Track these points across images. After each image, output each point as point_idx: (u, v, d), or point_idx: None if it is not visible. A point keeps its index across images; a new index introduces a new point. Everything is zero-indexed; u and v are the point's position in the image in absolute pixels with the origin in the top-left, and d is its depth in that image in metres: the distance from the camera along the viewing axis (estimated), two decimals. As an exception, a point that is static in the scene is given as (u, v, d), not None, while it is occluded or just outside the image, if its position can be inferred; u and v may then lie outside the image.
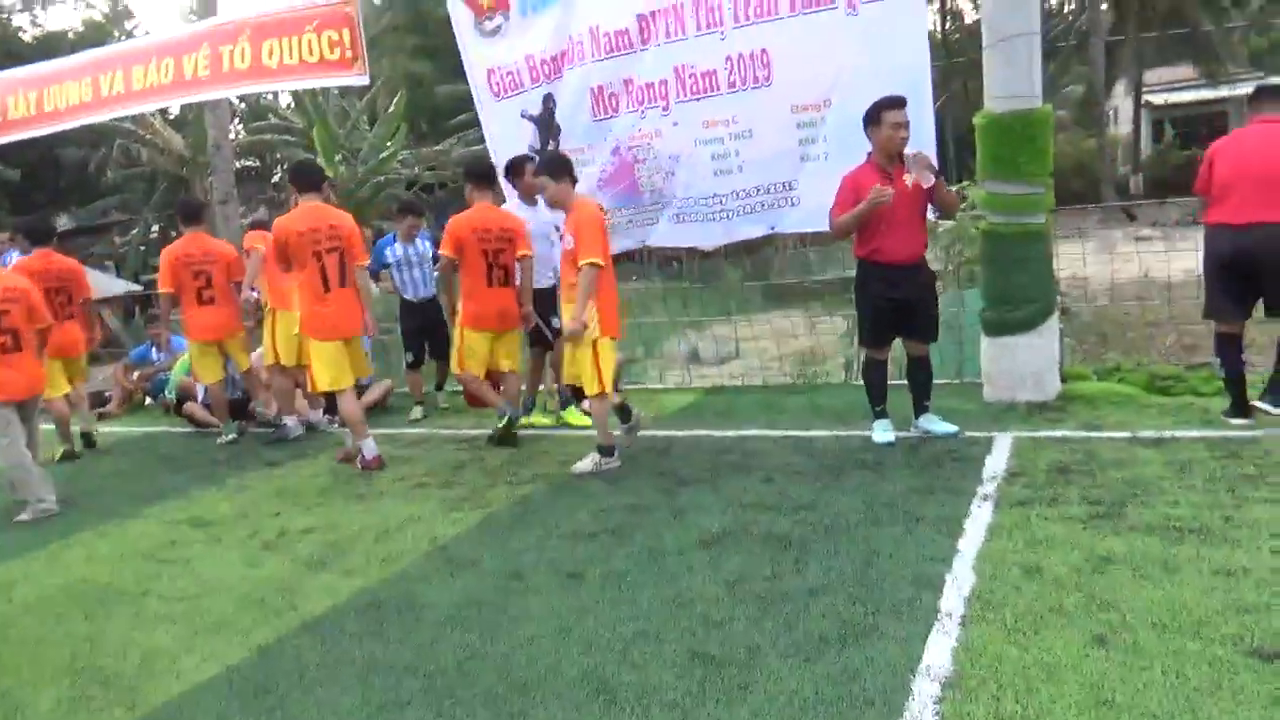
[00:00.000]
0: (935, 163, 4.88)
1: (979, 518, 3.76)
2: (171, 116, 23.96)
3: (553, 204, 5.28)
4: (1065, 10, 34.80)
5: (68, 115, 8.38)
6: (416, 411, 7.23)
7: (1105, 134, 31.60)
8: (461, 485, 5.14)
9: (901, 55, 5.85)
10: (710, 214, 6.63)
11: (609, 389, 5.08)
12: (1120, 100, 36.01)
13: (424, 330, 7.27)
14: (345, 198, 22.17)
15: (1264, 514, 3.51)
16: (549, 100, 6.95)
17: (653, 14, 6.52)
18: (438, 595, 3.56)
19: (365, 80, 7.46)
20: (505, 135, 7.16)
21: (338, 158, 22.17)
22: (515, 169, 6.36)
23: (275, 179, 26.90)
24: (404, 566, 3.94)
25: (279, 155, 24.66)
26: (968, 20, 34.13)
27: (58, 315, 6.37)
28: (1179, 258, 8.21)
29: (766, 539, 3.79)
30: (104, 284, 18.65)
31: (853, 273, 5.26)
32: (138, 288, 19.98)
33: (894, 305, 4.93)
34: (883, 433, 5.09)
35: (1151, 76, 33.59)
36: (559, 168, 5.17)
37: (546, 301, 6.08)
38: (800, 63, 6.14)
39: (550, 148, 6.99)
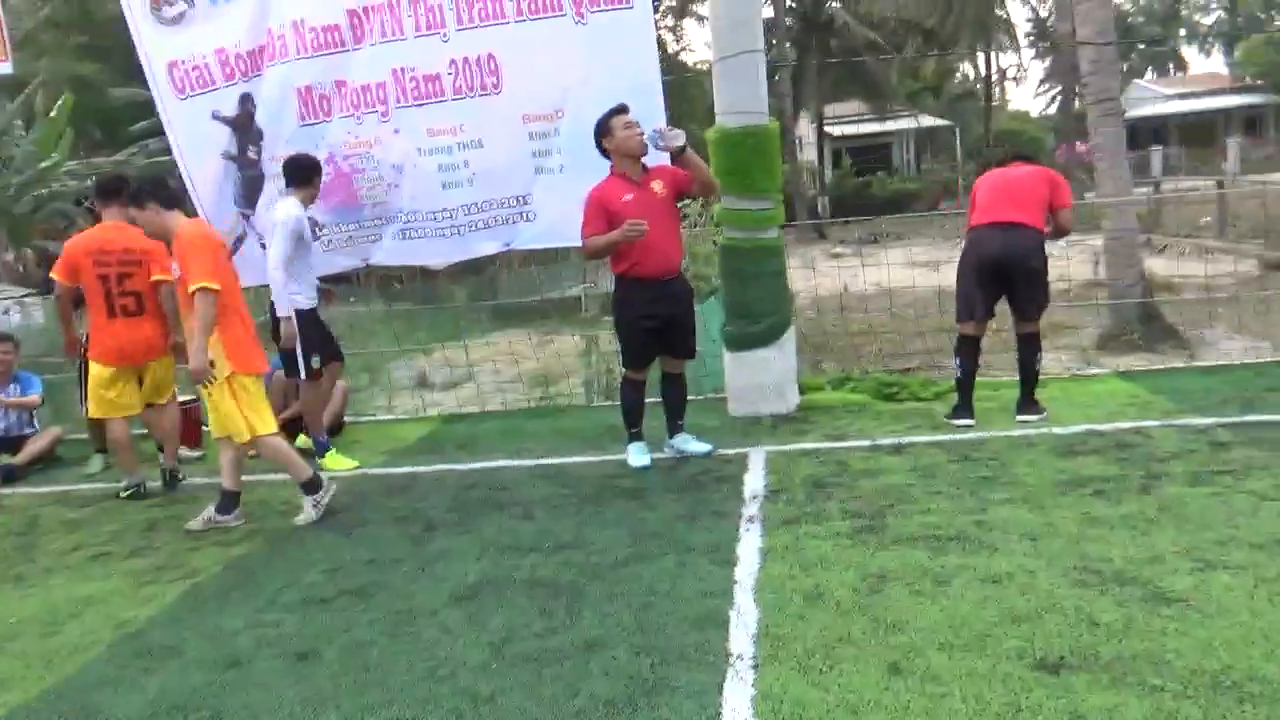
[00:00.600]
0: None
1: (749, 542, 3.62)
2: None
3: (152, 236, 4.70)
4: (756, 45, 37.56)
5: None
6: (95, 463, 6.07)
7: (797, 160, 34.41)
8: (155, 551, 4.28)
9: (632, 67, 5.73)
10: (440, 229, 6.14)
11: (259, 430, 4.46)
12: (805, 129, 39.49)
13: None
14: (1, 215, 19.01)
15: (1008, 514, 3.65)
16: (247, 100, 6.13)
17: (365, 10, 5.94)
18: (126, 702, 2.82)
19: (7, 68, 6.22)
20: (194, 138, 6.23)
21: (-14, 168, 18.97)
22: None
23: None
24: (80, 667, 3.13)
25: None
26: (669, 49, 35.89)
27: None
28: (870, 272, 8.90)
29: (531, 587, 3.40)
30: None
31: (578, 290, 5.06)
32: None
33: (656, 322, 4.73)
34: (639, 455, 4.88)
35: (829, 110, 37.07)
36: (146, 194, 4.55)
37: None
38: (530, 70, 5.85)
39: (250, 154, 6.18)
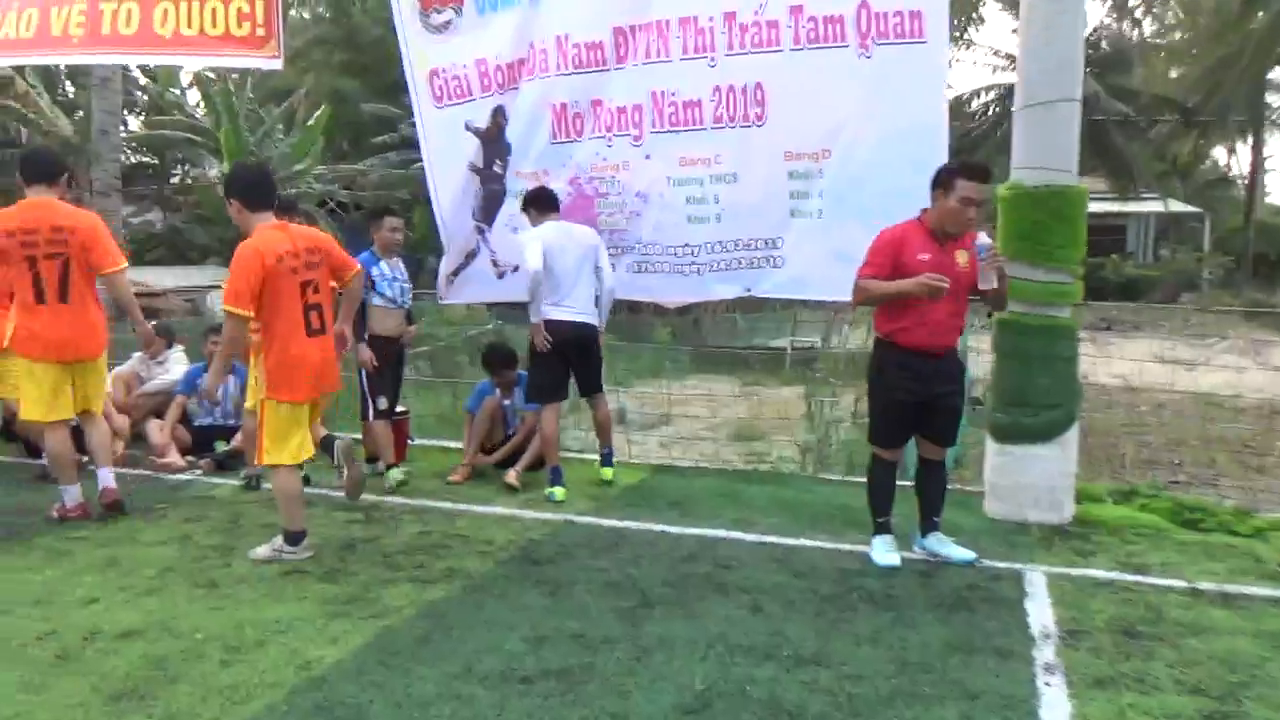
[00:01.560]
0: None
1: (1056, 705, 2.82)
2: (65, 96, 21.91)
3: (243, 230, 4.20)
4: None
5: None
6: (396, 475, 5.55)
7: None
8: (349, 577, 3.95)
9: (916, 105, 5.10)
10: (678, 266, 5.68)
11: (279, 459, 4.12)
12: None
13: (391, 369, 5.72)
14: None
15: None
16: (499, 114, 5.93)
17: (632, 29, 5.61)
18: (300, 776, 2.39)
19: (278, 64, 6.32)
20: (445, 148, 6.10)
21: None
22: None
23: (175, 179, 24.92)
24: (255, 714, 2.75)
25: (180, 155, 22.81)
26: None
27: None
28: (1112, 364, 7.70)
29: (774, 713, 2.76)
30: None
31: (783, 344, 4.39)
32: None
33: (916, 400, 4.03)
34: (887, 552, 4.15)
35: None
36: (242, 189, 4.14)
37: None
38: (800, 104, 5.31)
39: (495, 168, 5.95)
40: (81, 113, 19.02)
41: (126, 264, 4.91)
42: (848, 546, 4.40)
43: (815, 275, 5.46)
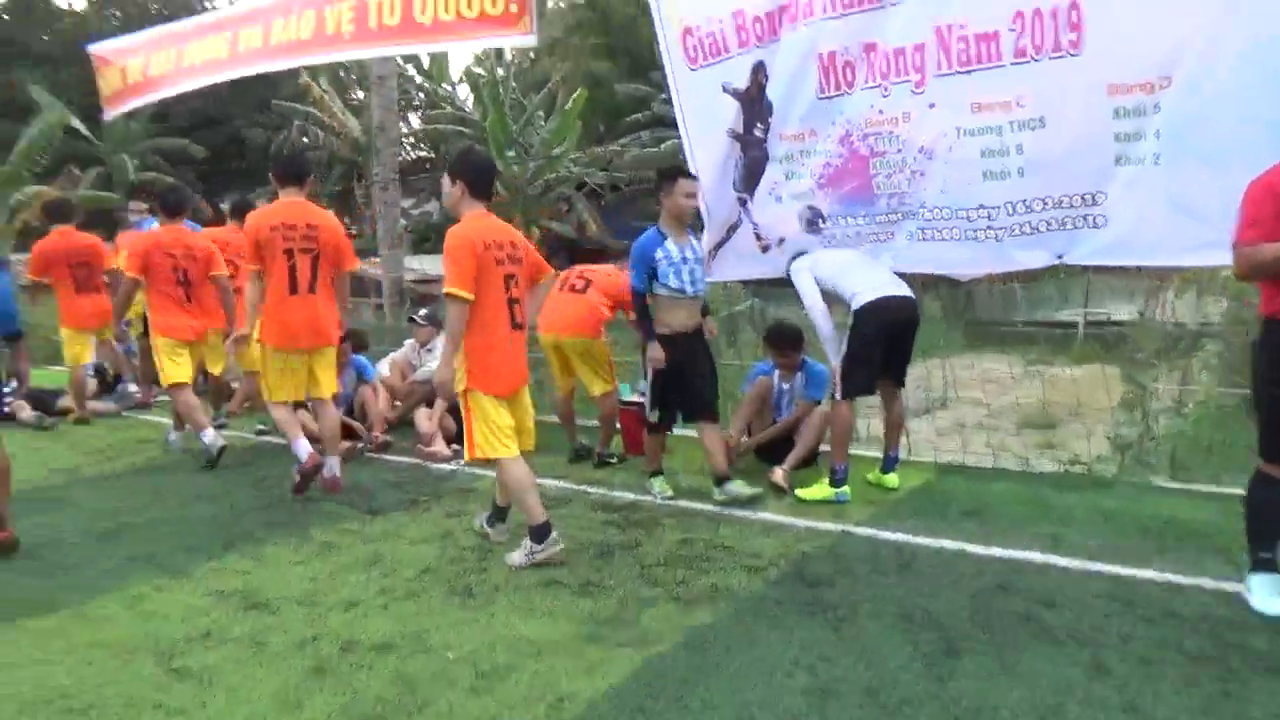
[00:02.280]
0: None
1: None
2: (354, 102, 23.94)
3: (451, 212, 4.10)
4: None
5: (202, 71, 7.52)
6: (660, 486, 5.01)
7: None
8: (606, 592, 3.59)
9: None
10: (971, 232, 4.85)
11: (490, 454, 3.92)
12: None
13: (683, 370, 4.86)
14: (514, 194, 21.41)
15: None
16: (759, 71, 5.35)
17: (913, -44, 4.82)
18: None
19: (533, 40, 6.12)
20: (701, 114, 5.62)
21: (510, 153, 21.44)
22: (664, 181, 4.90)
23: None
24: (503, 762, 2.43)
25: (452, 147, 24.23)
26: None
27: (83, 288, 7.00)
28: None
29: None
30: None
31: (1073, 316, 3.43)
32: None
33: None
34: (1270, 597, 3.19)
35: None
36: (471, 172, 3.96)
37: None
38: (1129, 22, 4.30)
39: (756, 132, 5.39)
40: (368, 114, 20.64)
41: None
42: (1210, 583, 3.47)
43: (1146, 236, 4.45)
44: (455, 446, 6.07)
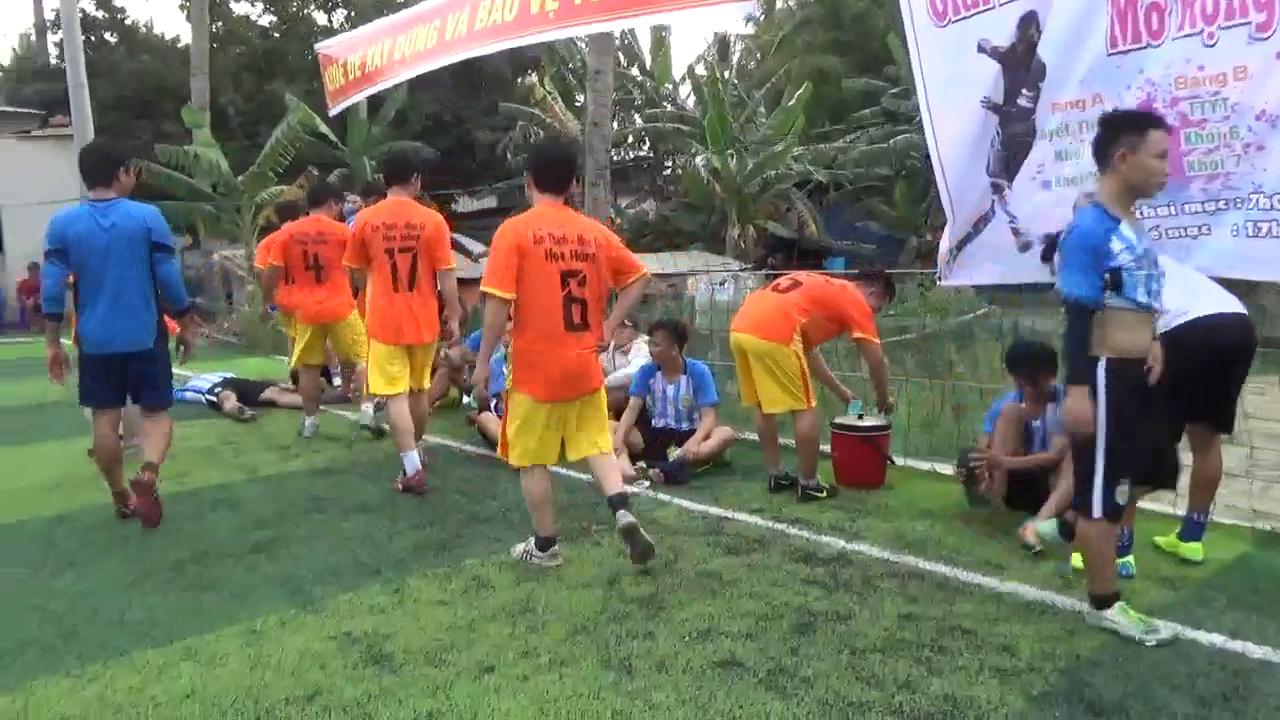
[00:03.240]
0: None
1: None
2: (577, 103, 24.12)
3: None
4: None
5: (413, 62, 7.27)
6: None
7: None
8: (804, 685, 2.73)
9: None
10: (1330, 226, 3.55)
11: (509, 457, 3.79)
12: None
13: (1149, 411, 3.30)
14: (730, 192, 20.70)
15: None
16: (1029, 23, 4.25)
17: None
18: None
19: (749, 7, 5.32)
20: (948, 80, 4.58)
21: (729, 151, 20.76)
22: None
23: (667, 170, 26.27)
24: None
25: (670, 146, 23.89)
26: None
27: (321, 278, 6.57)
28: None
29: None
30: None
31: None
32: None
33: None
34: None
35: None
36: (536, 165, 3.84)
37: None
38: None
39: (1022, 100, 4.31)
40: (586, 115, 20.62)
41: (455, 264, 5.39)
42: None
43: None
44: (641, 465, 5.38)
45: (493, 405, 6.17)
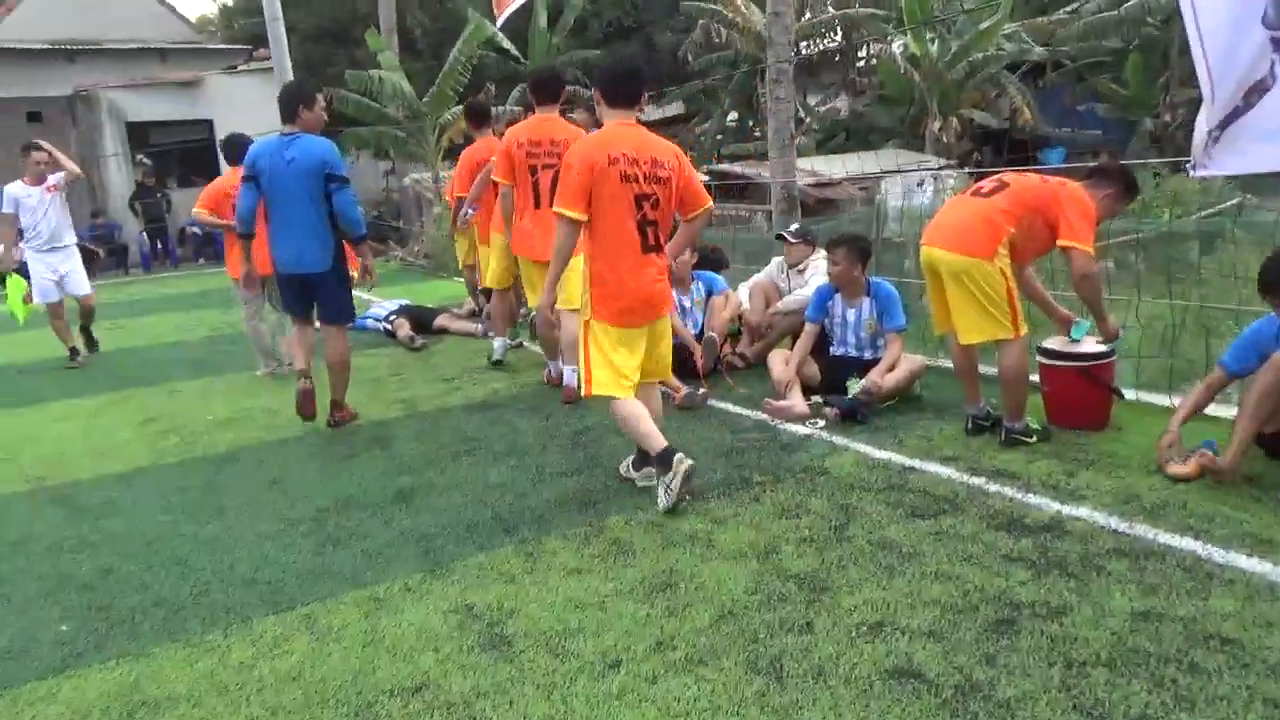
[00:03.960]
0: None
1: None
2: (761, -4, 22.74)
3: None
4: None
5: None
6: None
7: None
8: (1001, 711, 2.15)
9: None
10: None
11: (599, 388, 3.56)
12: None
13: None
14: (931, 80, 18.89)
15: None
16: None
17: None
18: None
19: None
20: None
21: (929, 34, 18.87)
22: None
23: (860, 63, 24.38)
24: None
25: (864, 34, 22.03)
26: None
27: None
28: None
29: None
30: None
31: None
32: (704, 178, 19.24)
33: None
34: None
35: None
36: (602, 80, 3.69)
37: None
38: None
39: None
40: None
41: None
42: None
43: None
44: (816, 400, 4.79)
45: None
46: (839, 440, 4.24)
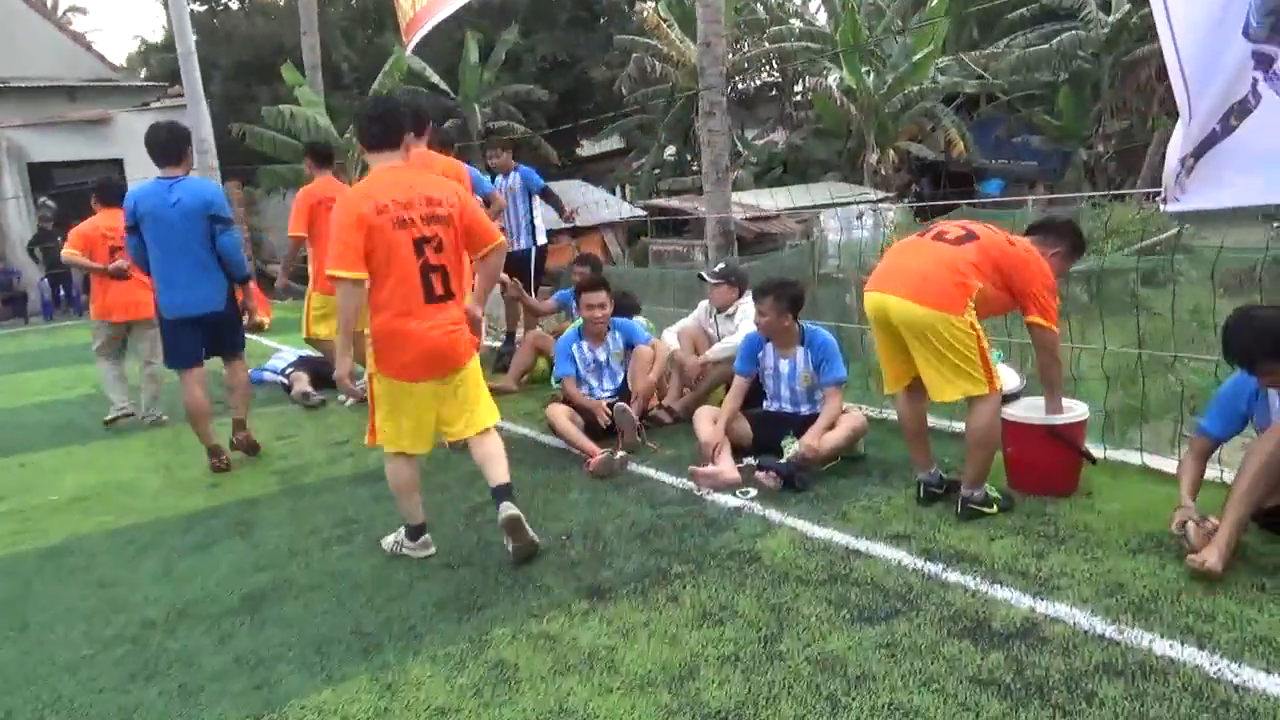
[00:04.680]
0: None
1: None
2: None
3: None
4: None
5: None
6: None
7: None
8: None
9: None
10: None
11: (385, 441, 3.39)
12: None
13: None
14: (867, 114, 18.78)
15: None
16: None
17: None
18: None
19: None
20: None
21: (864, 67, 18.81)
22: None
23: (796, 96, 24.31)
24: None
25: (799, 67, 21.94)
26: None
27: None
28: None
29: None
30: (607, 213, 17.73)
31: None
32: (640, 213, 18.85)
33: None
34: None
35: None
36: (358, 124, 3.49)
37: None
38: None
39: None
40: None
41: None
42: None
43: None
44: (749, 462, 4.22)
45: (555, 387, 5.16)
46: (773, 515, 3.66)
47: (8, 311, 15.72)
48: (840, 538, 3.36)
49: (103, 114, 16.93)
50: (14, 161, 16.32)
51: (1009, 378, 3.88)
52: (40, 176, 16.63)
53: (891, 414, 4.57)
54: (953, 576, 2.97)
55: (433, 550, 3.50)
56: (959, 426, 4.35)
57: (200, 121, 12.54)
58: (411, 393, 3.33)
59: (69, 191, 17.10)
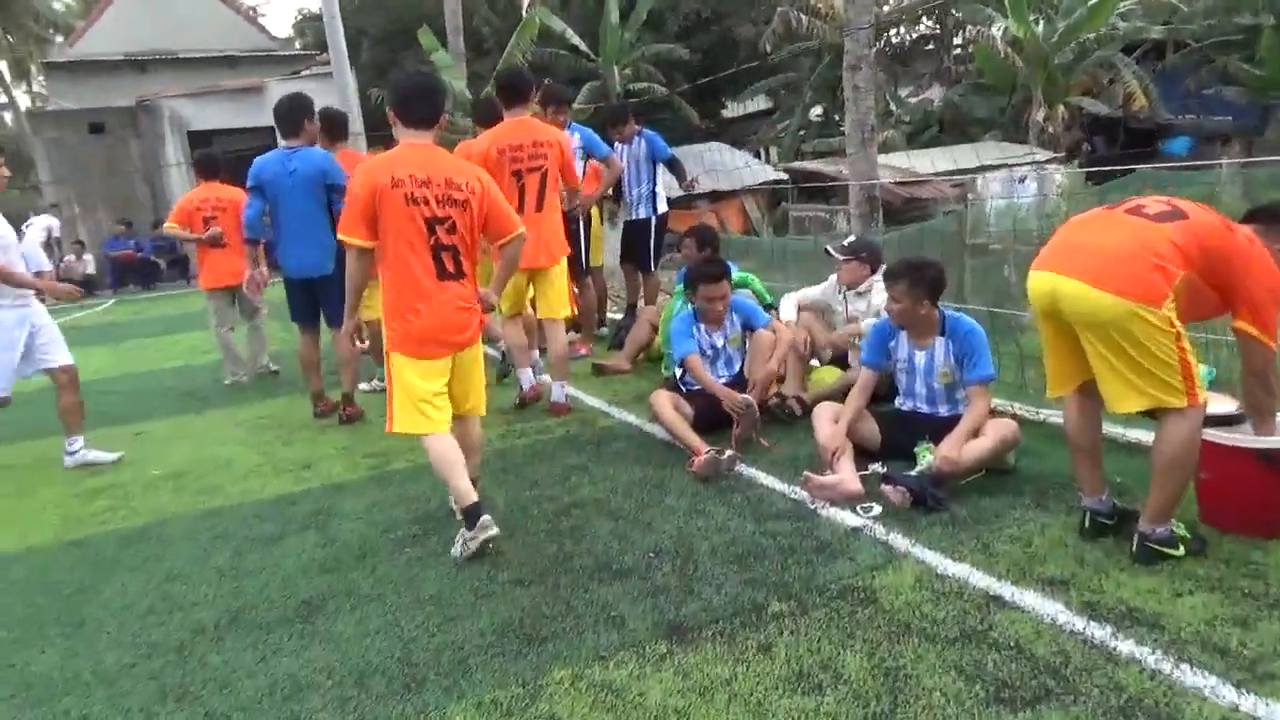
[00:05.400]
0: None
1: None
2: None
3: None
4: None
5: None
6: None
7: None
8: None
9: None
10: None
11: (401, 426, 3.32)
12: None
13: None
14: (1036, 66, 17.21)
15: None
16: None
17: None
18: None
19: None
20: None
21: (1033, 15, 17.20)
22: None
23: (956, 49, 22.62)
24: None
25: (959, 18, 20.34)
26: None
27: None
28: None
29: None
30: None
31: None
32: (782, 176, 17.99)
33: None
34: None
35: None
36: (394, 99, 3.35)
37: None
38: None
39: None
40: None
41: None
42: None
43: None
44: (875, 468, 3.66)
45: (678, 377, 4.67)
46: (898, 541, 3.08)
47: (174, 274, 16.58)
48: (979, 579, 2.77)
49: (255, 82, 17.53)
50: (176, 131, 17.11)
51: (1219, 404, 3.10)
52: (199, 144, 17.41)
53: (1052, 415, 3.92)
54: (1124, 646, 2.34)
55: (495, 531, 3.22)
56: (1134, 435, 3.66)
57: (345, 87, 12.71)
58: (427, 371, 3.31)
59: (225, 158, 17.94)
